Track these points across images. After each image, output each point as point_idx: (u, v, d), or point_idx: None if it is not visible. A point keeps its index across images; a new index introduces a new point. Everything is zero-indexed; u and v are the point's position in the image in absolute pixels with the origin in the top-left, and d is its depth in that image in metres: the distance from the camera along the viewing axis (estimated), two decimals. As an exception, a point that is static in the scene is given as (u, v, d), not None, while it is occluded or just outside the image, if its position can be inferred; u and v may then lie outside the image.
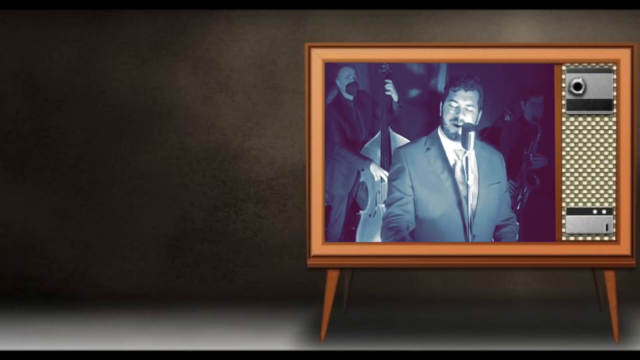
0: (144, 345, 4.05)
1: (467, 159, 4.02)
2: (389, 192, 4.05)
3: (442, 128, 4.04)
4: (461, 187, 4.03)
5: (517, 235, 4.02)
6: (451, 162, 4.03)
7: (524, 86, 4.03)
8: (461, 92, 4.03)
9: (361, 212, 4.07)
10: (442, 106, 4.03)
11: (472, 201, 4.02)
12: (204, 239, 5.28)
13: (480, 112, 4.03)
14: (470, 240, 4.02)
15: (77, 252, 5.31)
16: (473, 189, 4.02)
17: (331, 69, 4.05)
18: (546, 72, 4.04)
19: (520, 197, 4.03)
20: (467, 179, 4.02)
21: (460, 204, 4.02)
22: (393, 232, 4.04)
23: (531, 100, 4.03)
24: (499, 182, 4.03)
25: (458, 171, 4.03)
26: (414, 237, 4.04)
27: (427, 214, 4.04)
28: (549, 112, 4.04)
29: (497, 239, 4.02)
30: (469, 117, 4.02)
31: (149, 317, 4.68)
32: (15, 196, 5.33)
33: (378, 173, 4.07)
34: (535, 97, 4.03)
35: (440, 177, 4.03)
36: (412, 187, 4.04)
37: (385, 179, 4.06)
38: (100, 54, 5.30)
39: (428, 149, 4.04)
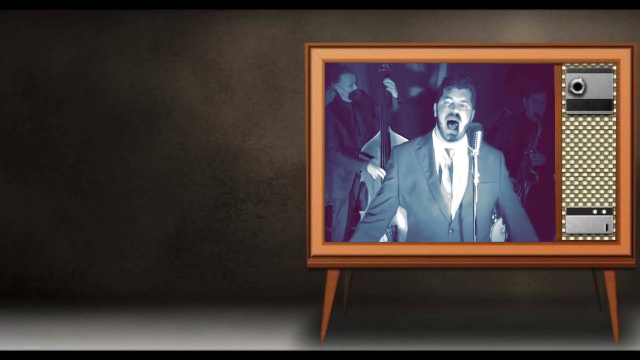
0: (144, 345, 4.05)
1: (473, 158, 4.02)
2: (380, 190, 4.06)
3: (438, 128, 4.04)
4: (447, 187, 4.03)
5: (507, 235, 4.02)
6: (439, 162, 4.03)
7: (524, 86, 4.03)
8: (455, 90, 4.04)
9: (361, 212, 4.07)
10: (436, 106, 4.04)
11: (458, 201, 4.02)
12: (204, 239, 5.28)
13: (474, 111, 4.03)
14: (454, 239, 4.02)
15: (77, 252, 5.31)
16: (460, 189, 4.03)
17: (331, 73, 4.05)
18: (546, 72, 4.04)
19: (519, 194, 4.03)
20: (473, 178, 4.02)
21: (445, 203, 4.03)
22: (374, 229, 4.06)
23: (533, 97, 4.03)
24: (491, 182, 4.03)
25: (445, 171, 4.03)
26: (395, 235, 4.04)
27: (411, 212, 4.04)
28: (549, 111, 4.04)
29: (491, 238, 4.02)
30: (464, 113, 4.03)
31: (149, 317, 4.68)
32: (15, 196, 5.33)
33: (376, 172, 4.07)
34: (537, 94, 4.03)
35: (425, 174, 4.03)
36: (398, 185, 4.04)
37: (383, 177, 4.06)
38: (100, 54, 5.30)
39: (419, 148, 4.05)
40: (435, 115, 4.04)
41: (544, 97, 4.04)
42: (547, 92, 4.04)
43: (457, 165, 4.04)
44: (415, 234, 4.05)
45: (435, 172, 4.04)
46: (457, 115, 4.03)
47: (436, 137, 4.04)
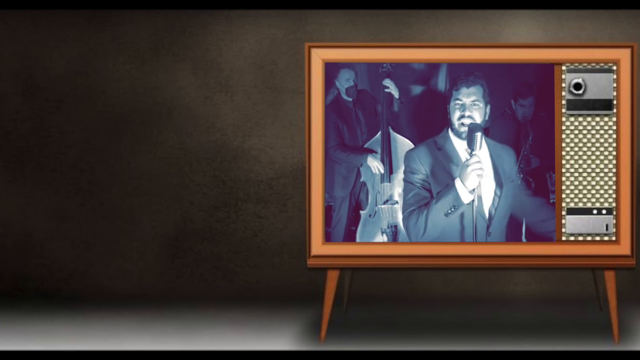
0: (144, 345, 4.05)
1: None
2: (406, 193, 4.05)
3: (452, 129, 4.03)
4: (472, 186, 4.03)
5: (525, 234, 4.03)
6: (462, 161, 4.02)
7: (521, 86, 4.03)
8: (463, 90, 4.03)
9: (361, 212, 4.07)
10: (448, 108, 4.03)
11: (486, 200, 4.01)
12: (204, 239, 5.28)
13: (489, 107, 4.02)
14: (485, 239, 4.01)
15: (77, 252, 5.31)
16: (487, 187, 4.02)
17: (331, 70, 4.05)
18: (546, 72, 4.03)
19: (527, 192, 4.04)
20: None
21: (473, 203, 4.02)
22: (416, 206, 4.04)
23: (520, 102, 4.02)
24: (512, 180, 4.03)
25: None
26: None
27: (438, 213, 4.03)
28: (549, 112, 4.04)
29: (529, 237, 4.00)
30: (477, 113, 4.01)
31: (149, 317, 4.68)
32: (15, 196, 5.33)
33: (375, 164, 4.06)
34: (524, 99, 4.02)
35: (451, 174, 4.02)
36: (430, 184, 4.02)
37: (382, 170, 4.06)
38: (100, 54, 5.30)
39: (439, 149, 4.03)
40: (448, 117, 4.03)
41: (533, 98, 4.03)
42: (547, 92, 4.04)
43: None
44: (442, 235, 4.03)
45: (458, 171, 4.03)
46: (470, 117, 4.02)
47: (454, 137, 4.03)
